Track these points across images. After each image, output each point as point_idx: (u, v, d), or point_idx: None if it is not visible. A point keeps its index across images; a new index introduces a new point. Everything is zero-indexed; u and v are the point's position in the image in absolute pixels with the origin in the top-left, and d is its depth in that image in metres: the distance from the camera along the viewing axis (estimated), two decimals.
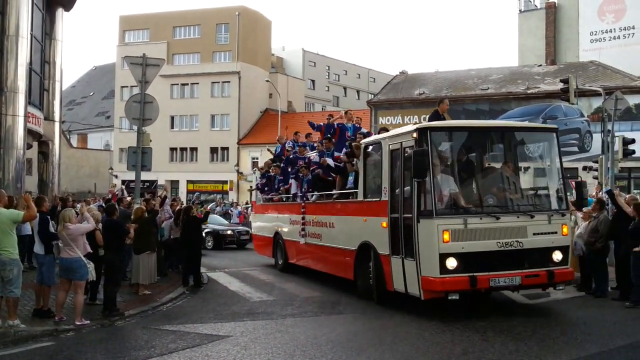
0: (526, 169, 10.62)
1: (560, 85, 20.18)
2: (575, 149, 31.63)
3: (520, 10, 48.13)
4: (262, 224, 17.45)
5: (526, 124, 10.19)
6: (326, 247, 12.69)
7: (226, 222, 26.67)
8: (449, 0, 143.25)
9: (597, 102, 29.50)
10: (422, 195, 9.02)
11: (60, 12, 21.91)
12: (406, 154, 9.50)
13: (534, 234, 9.19)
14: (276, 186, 15.88)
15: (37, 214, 8.79)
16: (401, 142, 9.72)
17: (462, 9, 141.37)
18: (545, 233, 9.28)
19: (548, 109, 33.04)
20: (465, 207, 9.23)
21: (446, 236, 8.76)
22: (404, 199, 9.50)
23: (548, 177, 10.40)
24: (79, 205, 12.92)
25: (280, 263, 15.65)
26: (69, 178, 43.01)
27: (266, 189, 16.77)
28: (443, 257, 8.73)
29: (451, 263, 8.74)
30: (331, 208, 12.66)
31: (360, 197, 11.12)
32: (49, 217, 9.68)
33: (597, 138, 28.41)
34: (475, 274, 8.77)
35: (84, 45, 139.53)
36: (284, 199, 15.49)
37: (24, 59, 16.00)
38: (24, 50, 15.98)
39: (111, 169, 51.82)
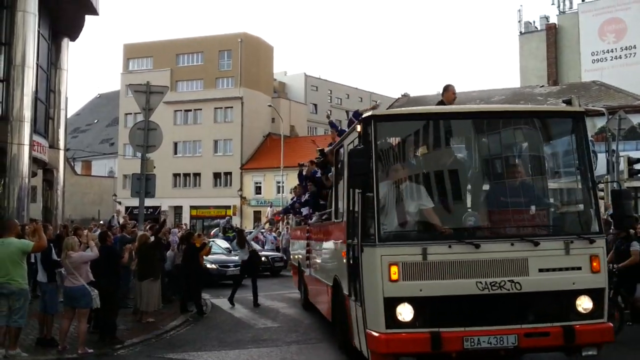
0: (534, 172, 7.33)
1: (563, 106, 20.20)
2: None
3: (520, 32, 48.53)
4: (292, 250, 16.06)
5: (532, 107, 7.49)
6: (315, 280, 10.97)
7: (259, 247, 25.66)
8: (451, 23, 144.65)
9: (600, 122, 29.50)
10: (366, 213, 6.47)
11: (65, 41, 22.17)
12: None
13: (541, 270, 6.34)
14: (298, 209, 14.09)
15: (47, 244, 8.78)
16: (353, 141, 7.34)
17: (463, 32, 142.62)
18: (559, 269, 6.39)
19: None
20: (427, 229, 6.52)
21: (394, 272, 6.15)
22: (354, 218, 7.00)
23: (568, 185, 7.36)
24: (86, 232, 12.91)
25: (302, 297, 13.59)
26: (73, 205, 43.05)
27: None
28: (391, 303, 6.14)
29: (404, 312, 6.16)
30: (318, 232, 10.65)
31: (333, 217, 8.88)
32: (52, 245, 9.66)
33: (602, 158, 28.30)
34: (440, 329, 6.11)
35: (89, 74, 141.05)
36: (300, 223, 14.04)
37: (29, 89, 16.14)
38: (29, 80, 16.12)
39: (115, 195, 51.90)
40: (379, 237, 6.24)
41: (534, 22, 49.00)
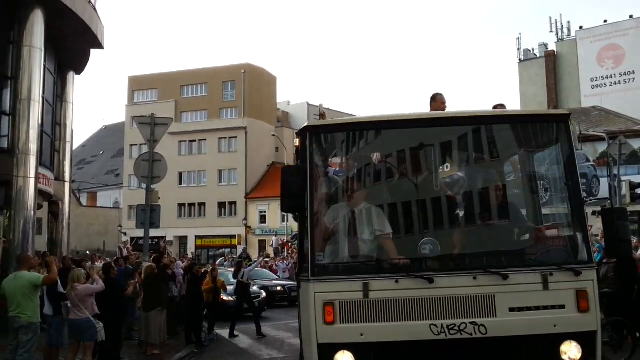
0: (507, 189, 6.16)
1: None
2: (584, 194, 31.54)
3: (520, 60, 49.02)
4: None
5: (506, 111, 6.65)
6: None
7: (275, 276, 25.15)
8: (450, 52, 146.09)
9: (602, 147, 29.65)
10: (302, 242, 5.71)
11: (71, 75, 22.52)
12: None
13: (512, 310, 5.14)
14: None
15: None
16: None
17: (463, 60, 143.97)
18: (536, 308, 5.17)
19: None
20: (370, 259, 5.51)
21: (329, 313, 5.15)
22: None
23: (549, 204, 6.17)
24: (94, 263, 12.96)
25: None
26: (79, 236, 43.11)
27: None
28: (326, 351, 5.14)
29: None
30: None
31: None
32: (57, 277, 9.72)
33: (604, 182, 28.41)
34: None
35: (94, 106, 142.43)
36: None
37: (35, 122, 16.37)
38: (35, 114, 16.36)
39: (120, 226, 51.98)
40: (312, 270, 5.18)
41: (533, 49, 49.53)
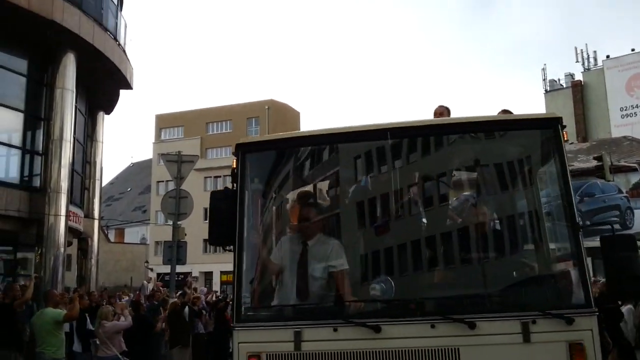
0: (480, 213, 4.86)
1: (594, 163, 20.04)
2: (618, 226, 30.87)
3: (546, 91, 48.75)
4: None
5: (481, 117, 4.70)
6: None
7: None
8: (474, 85, 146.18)
9: (635, 178, 29.12)
10: (234, 280, 4.64)
11: (101, 115, 23.07)
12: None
13: None
14: None
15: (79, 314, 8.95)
16: None
17: (488, 92, 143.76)
18: None
19: (584, 187, 32.65)
20: (305, 303, 4.59)
21: None
22: None
23: (534, 230, 4.83)
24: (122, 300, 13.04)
25: None
26: (107, 272, 43.47)
27: None
28: None
29: None
30: None
31: None
32: (86, 314, 9.80)
33: (638, 214, 27.82)
34: None
35: (123, 144, 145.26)
36: None
37: (66, 161, 16.74)
38: (67, 153, 16.75)
39: (147, 262, 52.32)
40: (237, 316, 4.39)
41: (559, 79, 49.25)
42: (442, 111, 6.23)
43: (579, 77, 47.53)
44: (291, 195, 5.24)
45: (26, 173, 16.90)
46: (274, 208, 5.23)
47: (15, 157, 16.84)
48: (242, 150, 4.74)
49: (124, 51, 20.30)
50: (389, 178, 4.77)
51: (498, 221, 4.85)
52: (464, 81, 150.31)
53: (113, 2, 20.48)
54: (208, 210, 4.75)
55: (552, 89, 48.49)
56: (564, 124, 4.41)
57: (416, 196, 4.86)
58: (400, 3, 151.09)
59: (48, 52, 16.83)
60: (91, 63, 17.89)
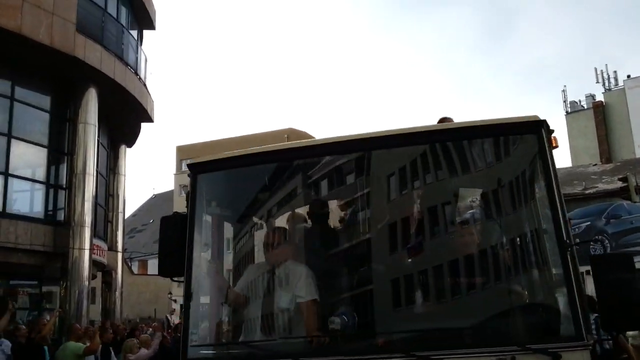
0: (454, 233, 4.23)
1: (620, 184, 19.74)
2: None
3: (567, 112, 48.38)
4: None
5: (454, 124, 4.46)
6: None
7: None
8: (494, 108, 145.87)
9: None
10: (182, 316, 4.41)
11: (123, 148, 23.38)
12: None
13: None
14: None
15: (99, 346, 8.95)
16: None
17: (507, 114, 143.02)
18: None
19: (610, 209, 32.08)
20: (255, 339, 4.12)
21: None
22: None
23: (517, 250, 4.08)
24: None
25: None
26: (131, 304, 43.54)
27: None
28: None
29: None
30: None
31: None
32: (111, 348, 9.76)
33: None
34: None
35: (145, 175, 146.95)
36: None
37: (90, 195, 16.92)
38: (90, 187, 16.94)
39: (170, 293, 52.31)
40: (184, 356, 3.92)
41: (579, 101, 48.88)
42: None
43: (599, 97, 47.14)
44: (252, 218, 4.78)
45: (50, 207, 17.11)
46: (231, 233, 4.78)
47: (39, 191, 17.09)
48: (195, 170, 4.29)
49: (145, 85, 20.63)
50: (356, 196, 4.30)
51: (472, 243, 4.09)
52: (483, 104, 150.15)
53: (133, 37, 20.90)
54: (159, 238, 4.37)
55: (573, 111, 48.12)
56: (551, 128, 3.83)
57: (385, 218, 4.27)
58: (418, 29, 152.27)
59: (70, 88, 17.16)
60: (113, 97, 18.20)
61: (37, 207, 17.08)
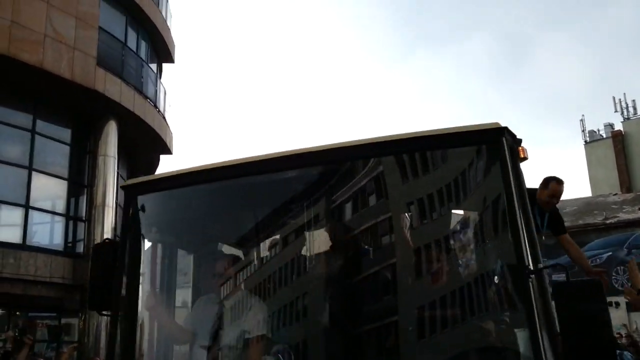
0: (398, 265, 3.70)
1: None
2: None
3: (585, 142, 47.99)
4: None
5: (400, 135, 3.31)
6: None
7: None
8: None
9: None
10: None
11: None
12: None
13: None
14: None
15: None
16: None
17: (525, 144, 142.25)
18: None
19: (632, 238, 31.55)
20: None
21: None
22: None
23: (467, 281, 3.43)
24: None
25: None
26: None
27: None
28: None
29: None
30: None
31: None
32: None
33: None
34: None
35: None
36: None
37: (109, 227, 16.96)
38: (109, 219, 17.01)
39: None
40: None
41: (598, 130, 48.49)
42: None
43: (618, 126, 46.75)
44: (195, 245, 4.33)
45: (70, 239, 17.18)
46: (172, 260, 4.31)
47: (59, 224, 17.19)
48: (129, 192, 3.84)
49: (164, 117, 20.84)
50: (301, 218, 3.80)
51: (419, 270, 3.65)
52: None
53: (153, 70, 21.21)
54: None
55: (592, 140, 47.72)
56: (517, 136, 3.26)
57: (327, 244, 3.79)
58: (432, 61, 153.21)
59: (90, 120, 17.39)
60: (132, 130, 18.39)
61: (56, 240, 17.16)
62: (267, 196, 3.90)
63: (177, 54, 23.78)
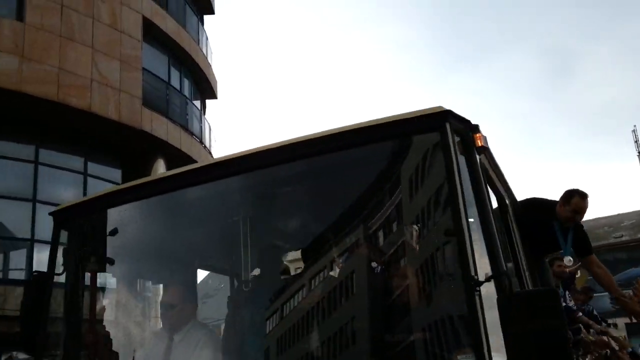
0: (335, 276, 3.28)
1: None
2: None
3: (639, 152, 46.22)
4: None
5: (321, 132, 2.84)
6: None
7: None
8: (561, 153, 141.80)
9: None
10: None
11: None
12: None
13: None
14: None
15: None
16: None
17: (575, 158, 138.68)
18: None
19: None
20: None
21: None
22: None
23: (405, 292, 2.99)
24: None
25: None
26: None
27: None
28: None
29: None
30: None
31: None
32: None
33: None
34: None
35: None
36: None
37: None
38: None
39: None
40: None
41: None
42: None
43: None
44: (134, 271, 3.83)
45: None
46: (110, 292, 3.96)
47: None
48: (57, 219, 3.44)
49: (210, 152, 21.12)
50: (237, 231, 3.43)
51: (347, 288, 3.29)
52: (549, 150, 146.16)
53: (197, 107, 21.59)
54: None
55: None
56: (472, 123, 2.69)
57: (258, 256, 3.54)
58: (478, 77, 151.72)
59: (139, 159, 17.72)
60: (180, 166, 18.60)
61: None
62: (189, 210, 3.61)
63: (219, 89, 24.20)
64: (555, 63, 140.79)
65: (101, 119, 15.38)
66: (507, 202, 3.67)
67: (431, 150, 2.73)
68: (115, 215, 3.50)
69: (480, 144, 2.65)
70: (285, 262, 3.34)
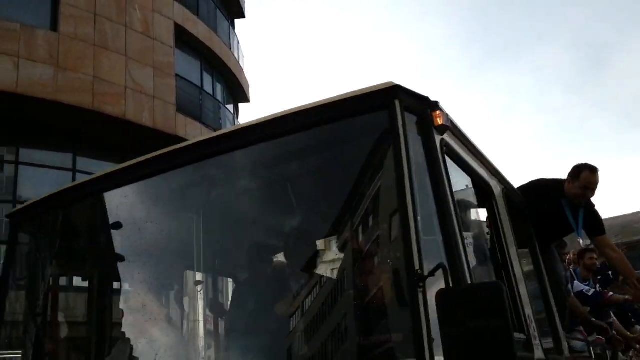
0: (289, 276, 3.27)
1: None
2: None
3: None
4: None
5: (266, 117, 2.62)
6: None
7: None
8: (596, 144, 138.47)
9: None
10: None
11: None
12: None
13: None
14: None
15: None
16: None
17: (610, 151, 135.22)
18: None
19: None
20: None
21: None
22: None
23: (346, 286, 2.76)
24: None
25: None
26: None
27: None
28: None
29: None
30: None
31: None
32: None
33: None
34: None
35: None
36: None
37: None
38: None
39: None
40: None
41: None
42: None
43: None
44: (103, 275, 3.53)
45: None
46: (78, 298, 3.66)
47: None
48: (14, 221, 3.23)
49: None
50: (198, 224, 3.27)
51: (288, 280, 3.17)
52: (591, 144, 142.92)
53: (230, 111, 21.63)
54: None
55: None
56: (430, 99, 2.43)
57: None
58: (510, 74, 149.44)
59: None
60: None
61: None
62: (140, 205, 3.26)
63: (252, 93, 24.19)
64: (588, 55, 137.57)
65: (136, 126, 15.48)
66: (492, 186, 3.34)
67: (380, 131, 2.41)
68: (76, 212, 3.28)
69: (439, 123, 2.37)
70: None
